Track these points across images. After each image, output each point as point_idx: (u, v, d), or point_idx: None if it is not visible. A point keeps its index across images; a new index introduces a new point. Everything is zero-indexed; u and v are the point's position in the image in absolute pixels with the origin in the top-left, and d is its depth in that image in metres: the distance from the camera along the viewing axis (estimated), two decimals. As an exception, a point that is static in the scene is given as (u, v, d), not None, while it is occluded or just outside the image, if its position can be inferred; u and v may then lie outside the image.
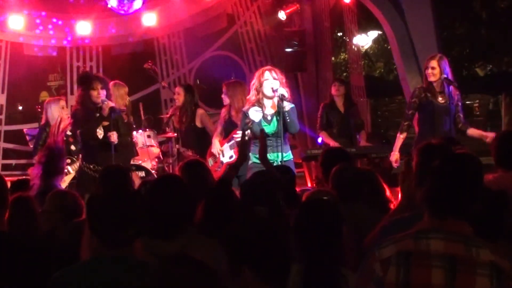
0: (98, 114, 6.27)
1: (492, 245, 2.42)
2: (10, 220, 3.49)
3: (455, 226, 2.39)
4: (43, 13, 9.89)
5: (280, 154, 5.83)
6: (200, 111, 7.79)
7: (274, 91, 5.82)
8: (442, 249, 2.33)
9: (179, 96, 7.83)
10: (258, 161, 5.76)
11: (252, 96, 5.99)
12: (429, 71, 6.50)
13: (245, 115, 5.94)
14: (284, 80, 5.98)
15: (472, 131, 6.57)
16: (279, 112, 5.83)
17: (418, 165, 3.23)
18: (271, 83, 5.85)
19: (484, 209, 2.67)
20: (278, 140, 5.87)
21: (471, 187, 2.43)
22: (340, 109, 7.89)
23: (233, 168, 4.45)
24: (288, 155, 6.01)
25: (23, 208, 3.67)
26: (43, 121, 7.41)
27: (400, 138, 6.66)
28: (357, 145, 7.97)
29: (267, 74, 5.90)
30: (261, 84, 5.90)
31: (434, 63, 6.48)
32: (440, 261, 2.32)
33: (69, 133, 6.89)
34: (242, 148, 4.61)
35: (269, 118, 5.95)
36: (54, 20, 9.93)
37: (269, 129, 5.92)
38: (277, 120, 5.90)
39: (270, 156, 5.79)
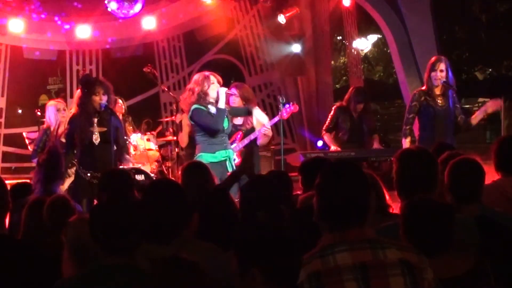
0: (96, 119, 6.19)
1: (397, 241, 2.40)
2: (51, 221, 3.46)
3: (356, 234, 2.36)
4: (43, 16, 9.89)
5: (230, 151, 6.05)
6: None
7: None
8: (350, 260, 2.29)
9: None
10: (214, 160, 5.89)
11: (197, 98, 5.98)
12: (438, 73, 6.40)
13: (204, 107, 5.94)
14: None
15: (475, 119, 6.52)
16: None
17: (397, 173, 3.23)
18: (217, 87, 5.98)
19: (431, 223, 2.65)
20: (226, 138, 6.10)
21: (357, 193, 2.40)
22: (353, 114, 7.69)
23: (234, 176, 4.49)
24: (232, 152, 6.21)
25: (63, 209, 3.64)
26: (45, 124, 7.37)
27: (407, 142, 6.50)
28: (357, 149, 7.87)
29: (212, 78, 6.01)
30: (207, 90, 5.97)
31: (443, 65, 6.42)
32: (351, 273, 2.27)
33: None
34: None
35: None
36: (54, 23, 9.92)
37: (226, 124, 6.02)
38: (227, 117, 6.06)
39: (226, 152, 6.00)
